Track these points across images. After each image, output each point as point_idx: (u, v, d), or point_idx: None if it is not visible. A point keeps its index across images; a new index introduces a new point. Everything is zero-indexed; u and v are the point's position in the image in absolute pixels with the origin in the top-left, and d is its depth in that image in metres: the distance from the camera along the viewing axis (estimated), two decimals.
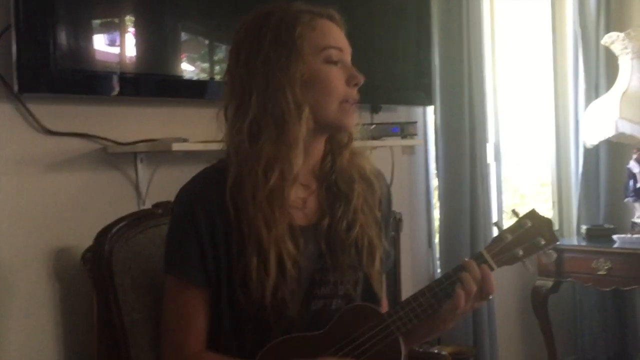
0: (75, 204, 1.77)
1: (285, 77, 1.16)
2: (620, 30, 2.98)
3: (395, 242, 2.20)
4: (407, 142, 2.53)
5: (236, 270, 1.15)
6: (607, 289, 2.93)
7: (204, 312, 1.19)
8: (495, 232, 1.28)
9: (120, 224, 1.37)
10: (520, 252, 1.24)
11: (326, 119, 1.20)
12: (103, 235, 1.34)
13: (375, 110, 2.49)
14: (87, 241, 1.49)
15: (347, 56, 1.23)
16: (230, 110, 1.20)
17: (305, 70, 1.17)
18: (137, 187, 1.89)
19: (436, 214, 2.83)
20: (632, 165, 2.99)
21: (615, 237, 2.91)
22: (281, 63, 1.16)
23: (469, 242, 2.70)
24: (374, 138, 2.31)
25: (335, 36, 1.22)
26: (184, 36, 2.04)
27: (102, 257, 1.32)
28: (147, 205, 1.75)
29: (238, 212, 1.16)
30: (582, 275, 2.92)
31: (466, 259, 1.23)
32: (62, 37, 1.68)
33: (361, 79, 1.22)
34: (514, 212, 1.28)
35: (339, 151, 1.26)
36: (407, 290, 2.43)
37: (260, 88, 1.17)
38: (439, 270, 2.79)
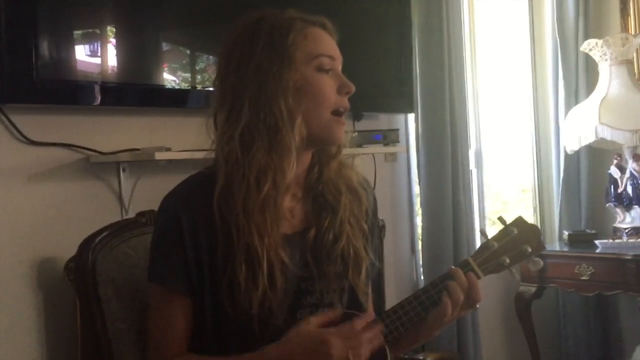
0: (58, 214, 1.76)
1: (278, 85, 1.15)
2: (599, 37, 3.02)
3: (378, 250, 2.21)
4: (389, 149, 2.55)
5: (222, 279, 1.15)
6: (590, 294, 2.95)
7: (187, 319, 1.19)
8: (479, 238, 1.28)
9: (104, 234, 1.36)
10: (507, 260, 1.24)
11: (317, 129, 1.19)
12: (86, 245, 1.33)
13: (357, 117, 2.50)
14: (70, 251, 1.48)
15: (338, 65, 1.23)
16: (221, 117, 1.19)
17: (297, 78, 1.17)
18: (120, 197, 1.88)
19: (419, 220, 2.84)
20: (613, 170, 3.03)
21: (597, 242, 2.93)
22: (274, 70, 1.16)
23: (452, 248, 2.71)
24: (356, 145, 2.32)
25: (327, 44, 1.22)
26: (165, 46, 2.04)
27: (86, 267, 1.31)
28: (130, 215, 1.74)
29: (226, 220, 1.15)
30: (565, 281, 2.94)
31: (453, 267, 1.23)
32: (44, 48, 1.67)
33: (352, 88, 1.21)
34: (501, 220, 1.27)
35: (326, 162, 1.25)
36: (391, 296, 2.43)
37: (252, 96, 1.16)
38: (422, 277, 2.79)
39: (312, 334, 1.12)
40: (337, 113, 1.21)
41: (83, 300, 1.32)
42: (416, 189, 2.84)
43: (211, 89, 2.03)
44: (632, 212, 2.98)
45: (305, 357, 1.11)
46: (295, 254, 1.21)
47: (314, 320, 1.14)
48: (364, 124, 2.51)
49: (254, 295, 1.13)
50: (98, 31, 1.86)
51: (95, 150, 1.81)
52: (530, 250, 1.25)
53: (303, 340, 1.12)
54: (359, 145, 2.35)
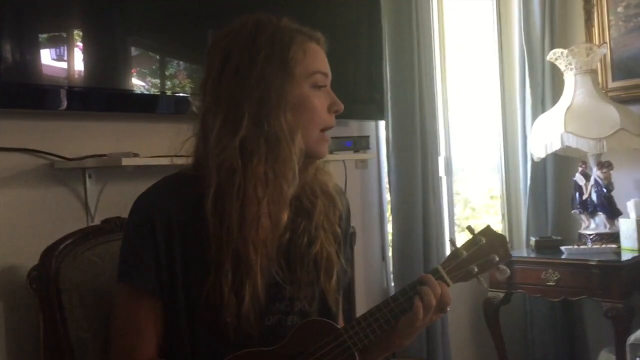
0: (21, 222, 1.72)
1: (281, 99, 1.15)
2: (564, 47, 3.08)
3: (350, 257, 2.20)
4: (359, 156, 2.55)
5: (203, 285, 1.13)
6: (556, 300, 2.99)
7: (156, 321, 1.17)
8: (448, 247, 1.30)
9: (68, 241, 1.33)
10: (475, 269, 1.25)
11: (306, 145, 1.19)
12: (49, 252, 1.30)
13: None
14: (33, 260, 1.45)
15: (329, 81, 1.23)
16: (215, 122, 1.16)
17: (297, 94, 1.17)
18: (85, 204, 1.84)
19: (389, 227, 2.85)
20: (578, 177, 3.08)
21: (563, 248, 2.98)
22: (276, 84, 1.15)
23: (422, 255, 2.73)
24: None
25: (322, 61, 1.22)
26: (134, 51, 2.02)
27: (49, 275, 1.28)
28: (97, 222, 1.71)
29: (215, 228, 1.13)
30: (532, 287, 2.97)
31: (424, 274, 1.24)
32: (7, 51, 1.64)
33: (341, 107, 1.22)
34: (469, 229, 1.29)
35: (303, 167, 1.24)
36: (361, 303, 2.44)
37: (254, 107, 1.14)
38: (392, 284, 2.80)
39: None
40: (324, 130, 1.21)
41: (46, 309, 1.28)
42: (387, 195, 2.85)
43: (182, 94, 2.02)
44: (597, 218, 3.04)
45: None
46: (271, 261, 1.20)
47: None
48: (335, 131, 2.47)
49: (235, 305, 1.12)
50: (64, 34, 1.83)
51: (60, 156, 1.78)
52: (497, 259, 1.27)
53: None
54: (330, 152, 2.35)
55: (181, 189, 1.17)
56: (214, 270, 1.13)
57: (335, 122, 1.23)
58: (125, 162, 1.76)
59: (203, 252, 1.14)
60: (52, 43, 1.80)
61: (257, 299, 1.14)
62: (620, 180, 3.07)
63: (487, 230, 1.29)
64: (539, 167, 3.29)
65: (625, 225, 2.90)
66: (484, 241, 1.26)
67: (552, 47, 3.20)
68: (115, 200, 1.83)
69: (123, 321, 1.18)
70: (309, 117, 1.18)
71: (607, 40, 3.23)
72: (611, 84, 3.24)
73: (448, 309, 1.24)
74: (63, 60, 1.79)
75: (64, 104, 1.77)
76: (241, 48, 1.17)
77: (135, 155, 1.80)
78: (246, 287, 1.13)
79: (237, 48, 1.17)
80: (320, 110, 1.20)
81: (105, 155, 1.82)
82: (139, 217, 1.17)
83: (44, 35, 1.79)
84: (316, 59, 1.21)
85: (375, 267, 2.84)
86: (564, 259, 2.92)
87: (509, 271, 1.30)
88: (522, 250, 3.32)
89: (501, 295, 3.03)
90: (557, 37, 3.33)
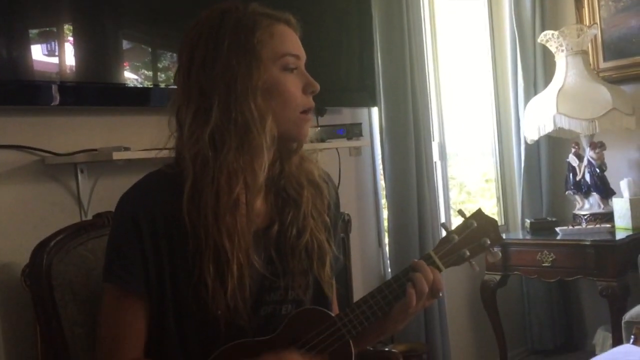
0: (14, 218, 1.72)
1: (248, 85, 1.13)
2: (555, 29, 3.07)
3: (344, 244, 2.22)
4: (353, 143, 2.56)
5: (188, 280, 1.13)
6: (552, 280, 3.01)
7: (144, 321, 1.16)
8: (442, 232, 1.29)
9: (59, 236, 1.32)
10: (467, 253, 1.25)
11: (284, 129, 1.18)
12: (41, 248, 1.29)
13: (320, 112, 2.50)
14: (27, 257, 1.45)
15: (303, 63, 1.22)
16: (187, 115, 1.16)
17: (265, 78, 1.15)
18: (78, 199, 1.85)
19: (385, 213, 2.86)
20: (571, 158, 3.09)
21: (557, 229, 2.99)
22: (242, 70, 1.13)
23: (418, 240, 2.74)
24: (320, 140, 2.32)
25: (293, 43, 1.20)
26: (126, 44, 2.01)
27: (41, 271, 1.27)
28: (90, 216, 1.72)
29: (193, 221, 1.13)
30: (528, 268, 2.99)
31: (415, 260, 1.24)
32: None
33: (317, 87, 1.20)
34: (460, 212, 1.29)
35: (287, 156, 1.24)
36: (358, 290, 2.45)
37: (221, 96, 1.13)
38: (389, 270, 2.82)
39: None
40: (304, 112, 1.20)
41: (39, 305, 1.28)
42: (382, 182, 2.85)
43: (175, 86, 2.01)
44: (591, 198, 3.05)
45: None
46: (259, 251, 1.20)
47: None
48: (327, 119, 2.51)
49: (221, 296, 1.12)
50: (55, 30, 1.82)
51: (50, 152, 1.78)
52: (489, 242, 1.27)
53: None
54: (323, 140, 2.36)
55: (163, 185, 1.17)
56: (198, 263, 1.13)
57: (313, 103, 1.21)
58: (116, 156, 1.76)
59: (187, 246, 1.14)
60: (42, 38, 1.80)
61: (243, 288, 1.14)
62: (613, 160, 3.08)
63: (478, 214, 1.28)
64: (532, 149, 3.30)
65: (619, 205, 2.92)
66: (475, 225, 1.26)
67: (542, 29, 3.19)
68: (109, 195, 1.83)
69: (109, 324, 1.17)
70: (281, 100, 1.17)
71: (598, 20, 3.22)
72: (602, 65, 3.24)
73: (441, 295, 1.25)
74: (54, 55, 1.79)
75: (57, 99, 1.77)
76: (206, 38, 1.16)
77: (127, 149, 1.80)
78: (228, 278, 1.12)
79: (203, 39, 1.16)
80: (294, 93, 1.18)
81: (96, 150, 1.82)
82: (123, 217, 1.17)
83: (35, 31, 1.78)
84: (285, 40, 1.18)
85: (372, 254, 2.85)
86: (559, 239, 2.93)
87: (500, 254, 1.30)
88: (517, 232, 3.34)
89: (498, 277, 3.05)
90: (548, 18, 3.32)
